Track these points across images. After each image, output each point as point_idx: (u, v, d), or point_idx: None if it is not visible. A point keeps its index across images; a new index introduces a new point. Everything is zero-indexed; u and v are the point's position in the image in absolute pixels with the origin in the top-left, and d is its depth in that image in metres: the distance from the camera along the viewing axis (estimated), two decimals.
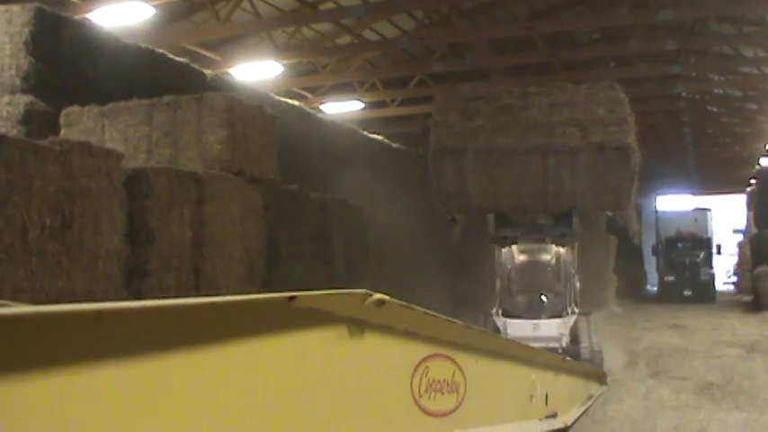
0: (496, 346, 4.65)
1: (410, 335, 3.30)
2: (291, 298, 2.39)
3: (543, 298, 12.30)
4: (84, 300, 8.88)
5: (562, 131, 12.16)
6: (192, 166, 12.25)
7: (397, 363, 3.27)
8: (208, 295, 9.65)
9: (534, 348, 6.34)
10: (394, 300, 2.99)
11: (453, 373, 3.71)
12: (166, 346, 2.04)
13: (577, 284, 13.66)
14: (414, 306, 3.20)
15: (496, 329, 11.80)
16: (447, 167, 12.82)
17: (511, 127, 12.48)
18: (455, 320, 3.80)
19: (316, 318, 2.60)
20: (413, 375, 3.35)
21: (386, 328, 3.08)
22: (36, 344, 1.75)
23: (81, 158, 9.36)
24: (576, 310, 13.06)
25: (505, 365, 4.78)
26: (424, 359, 3.44)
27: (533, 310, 12.23)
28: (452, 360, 3.72)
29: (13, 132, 12.35)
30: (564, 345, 11.57)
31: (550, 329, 11.79)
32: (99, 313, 1.84)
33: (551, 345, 10.97)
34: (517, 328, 11.75)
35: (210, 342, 2.16)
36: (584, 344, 11.95)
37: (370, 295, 2.84)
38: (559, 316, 12.04)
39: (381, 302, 2.88)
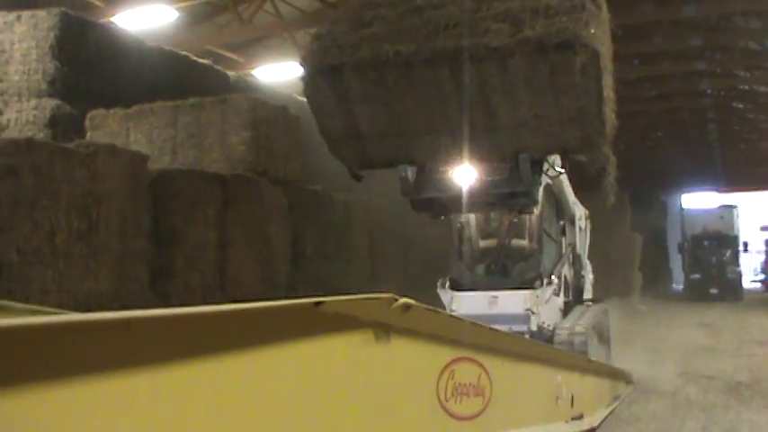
0: (522, 349, 4.65)
1: (436, 338, 3.31)
2: (318, 303, 2.41)
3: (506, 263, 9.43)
4: (110, 301, 8.96)
5: (485, 28, 7.65)
6: (216, 167, 12.30)
7: (423, 366, 3.28)
8: (233, 296, 9.73)
9: (560, 351, 6.32)
10: (420, 304, 2.99)
11: (479, 376, 3.72)
12: (195, 352, 2.05)
13: (589, 269, 11.65)
14: (439, 310, 3.21)
15: (441, 307, 8.88)
16: (326, 96, 8.28)
17: (413, 31, 8.00)
18: (480, 323, 3.80)
19: (342, 322, 2.61)
20: (439, 379, 3.36)
21: (412, 332, 3.09)
22: (68, 351, 1.77)
23: (107, 161, 9.43)
24: (589, 296, 11.11)
25: (531, 368, 4.78)
26: (450, 363, 3.45)
27: (491, 279, 9.29)
28: (478, 363, 3.72)
29: (40, 136, 12.45)
30: (534, 327, 8.69)
31: (513, 304, 8.78)
32: (128, 321, 1.86)
33: (516, 327, 8.31)
34: (467, 303, 8.95)
35: (238, 348, 2.18)
36: (565, 324, 9.33)
37: (396, 300, 2.85)
38: (528, 287, 8.95)
39: (407, 307, 2.89)
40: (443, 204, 8.82)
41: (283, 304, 2.35)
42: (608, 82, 7.90)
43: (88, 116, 13.62)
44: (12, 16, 13.95)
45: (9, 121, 13.63)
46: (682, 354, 13.73)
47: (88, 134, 13.25)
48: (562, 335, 9.03)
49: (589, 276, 11.65)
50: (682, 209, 39.97)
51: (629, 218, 27.96)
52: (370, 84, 8.00)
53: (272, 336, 2.29)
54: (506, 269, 9.38)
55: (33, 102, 13.51)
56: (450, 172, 8.49)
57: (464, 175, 8.43)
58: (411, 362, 3.17)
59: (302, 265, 13.16)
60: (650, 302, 26.22)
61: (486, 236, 9.96)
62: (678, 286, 36.93)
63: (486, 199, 8.64)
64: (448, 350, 3.45)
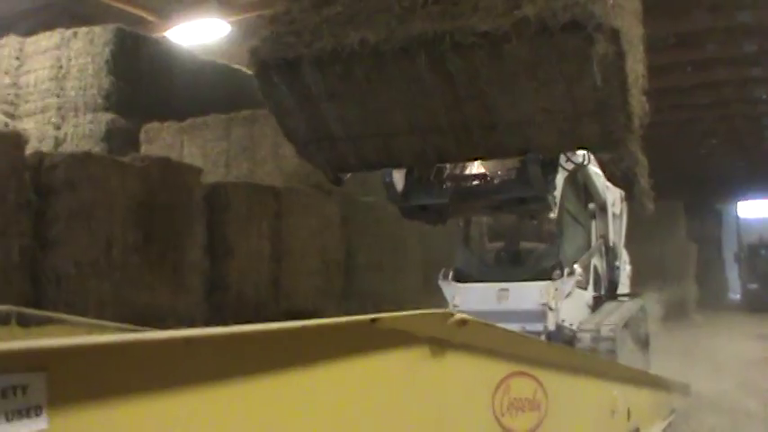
0: (577, 362, 4.62)
1: (491, 353, 3.30)
2: (374, 320, 2.41)
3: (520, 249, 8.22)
4: (166, 313, 9.06)
5: (472, 5, 6.15)
6: (269, 179, 12.39)
7: (478, 381, 3.27)
8: (286, 308, 9.77)
9: (616, 363, 6.20)
10: (475, 319, 2.99)
11: (535, 390, 3.69)
12: (252, 370, 2.07)
13: (626, 260, 10.31)
14: (495, 324, 3.20)
15: (443, 302, 8.04)
16: (284, 94, 6.85)
17: (385, 11, 6.45)
18: (536, 337, 3.78)
19: (398, 338, 2.61)
20: (494, 394, 3.35)
21: (467, 347, 3.08)
22: (127, 370, 1.79)
23: (161, 174, 9.55)
24: (625, 291, 9.73)
25: (587, 381, 4.74)
26: (506, 377, 3.43)
27: (501, 269, 8.08)
28: (534, 377, 3.70)
29: (96, 149, 12.66)
30: (551, 326, 7.42)
31: (526, 298, 7.55)
32: (188, 339, 1.88)
33: (530, 326, 7.18)
34: (472, 297, 7.76)
35: (295, 365, 2.19)
36: (589, 324, 7.90)
37: (452, 315, 2.85)
38: (546, 277, 7.66)
39: (463, 322, 2.88)
40: (439, 211, 7.59)
41: (339, 321, 2.36)
42: (636, 66, 6.50)
43: (143, 130, 13.83)
44: (69, 33, 14.24)
45: (66, 135, 13.89)
46: (740, 365, 13.50)
47: (143, 147, 13.45)
48: (585, 336, 7.68)
49: (626, 268, 10.25)
50: (738, 217, 39.43)
51: (684, 226, 27.63)
52: (336, 79, 6.52)
53: (328, 352, 2.30)
54: (520, 256, 8.12)
55: (89, 116, 13.76)
56: (445, 173, 7.58)
57: (462, 176, 7.56)
58: (467, 377, 3.16)
59: (356, 277, 13.18)
60: (706, 312, 25.85)
61: (490, 223, 8.82)
62: (735, 296, 36.38)
63: (490, 203, 7.45)
64: (503, 365, 3.44)
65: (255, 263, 10.89)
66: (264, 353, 2.09)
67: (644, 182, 8.93)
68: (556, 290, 7.51)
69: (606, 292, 9.30)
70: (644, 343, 9.49)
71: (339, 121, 6.83)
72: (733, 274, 36.90)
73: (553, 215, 7.59)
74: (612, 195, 9.69)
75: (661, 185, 19.06)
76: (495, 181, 7.39)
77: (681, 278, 25.44)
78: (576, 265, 7.86)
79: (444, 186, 7.42)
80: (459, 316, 2.86)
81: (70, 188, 8.53)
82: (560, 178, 7.30)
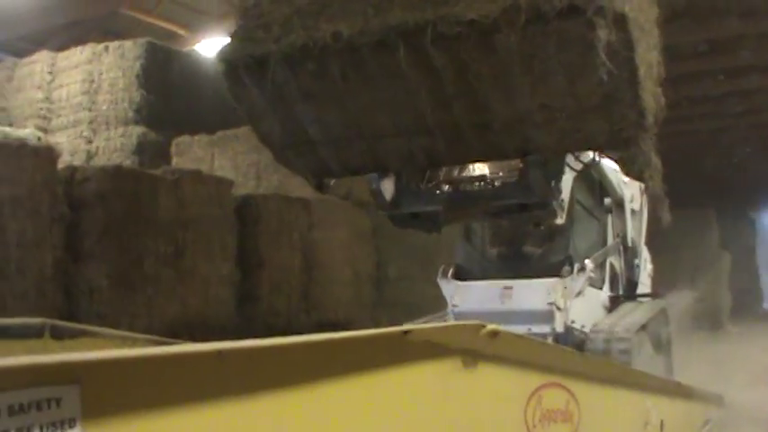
0: (610, 373, 4.58)
1: (523, 364, 3.28)
2: (406, 332, 2.40)
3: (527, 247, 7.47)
4: (198, 324, 9.10)
5: None
6: (300, 191, 12.40)
7: (510, 393, 3.25)
8: (317, 319, 9.78)
9: (650, 374, 6.08)
10: (507, 330, 2.97)
11: (567, 401, 3.66)
12: (284, 382, 2.07)
13: (647, 258, 9.51)
14: (527, 336, 3.18)
15: (442, 301, 7.61)
16: (256, 96, 6.17)
17: (359, 1, 5.76)
18: (568, 348, 3.75)
19: (430, 350, 2.60)
20: (527, 405, 3.32)
21: (499, 359, 3.06)
22: (160, 383, 1.79)
23: (192, 186, 9.61)
24: (645, 291, 8.92)
25: (619, 392, 4.70)
26: (538, 388, 3.41)
27: (505, 265, 7.42)
28: (566, 388, 3.67)
29: (127, 163, 12.77)
30: (559, 328, 6.83)
31: (532, 297, 6.94)
32: (220, 352, 1.88)
33: (536, 327, 6.69)
34: (473, 296, 7.22)
35: (328, 377, 2.18)
36: (602, 326, 7.20)
37: (484, 326, 2.84)
38: (554, 274, 7.01)
39: (495, 333, 2.87)
40: (432, 218, 6.92)
41: (371, 333, 2.35)
42: (648, 54, 5.77)
43: (174, 143, 13.93)
44: (100, 47, 14.40)
45: (98, 148, 14.03)
46: None
47: (174, 160, 13.54)
48: (596, 338, 7.00)
49: (647, 267, 9.50)
50: None
51: (717, 235, 27.36)
52: (309, 77, 5.83)
53: (360, 365, 2.29)
54: (525, 251, 7.41)
55: (120, 129, 13.90)
56: (440, 176, 6.95)
57: (460, 178, 6.95)
58: (499, 388, 3.14)
59: (387, 288, 13.18)
60: (741, 323, 25.57)
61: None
62: None
63: (488, 210, 6.75)
64: (535, 376, 3.41)
65: (286, 274, 10.92)
66: (296, 365, 2.09)
67: (658, 187, 8.08)
68: (565, 288, 6.89)
69: (624, 293, 8.62)
70: (665, 348, 8.74)
71: (316, 123, 6.16)
72: (767, 284, 36.52)
73: (560, 221, 6.77)
74: (630, 190, 8.93)
75: (692, 193, 18.83)
76: (497, 183, 6.78)
77: (713, 287, 25.18)
78: (587, 261, 7.16)
79: (438, 191, 6.84)
80: (490, 327, 2.84)
81: (102, 201, 8.61)
82: (568, 179, 6.80)
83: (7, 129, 8.87)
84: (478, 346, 2.87)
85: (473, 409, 2.95)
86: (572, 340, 6.78)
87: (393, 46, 5.28)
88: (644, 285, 9.15)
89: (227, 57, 6.06)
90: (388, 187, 6.64)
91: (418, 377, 2.58)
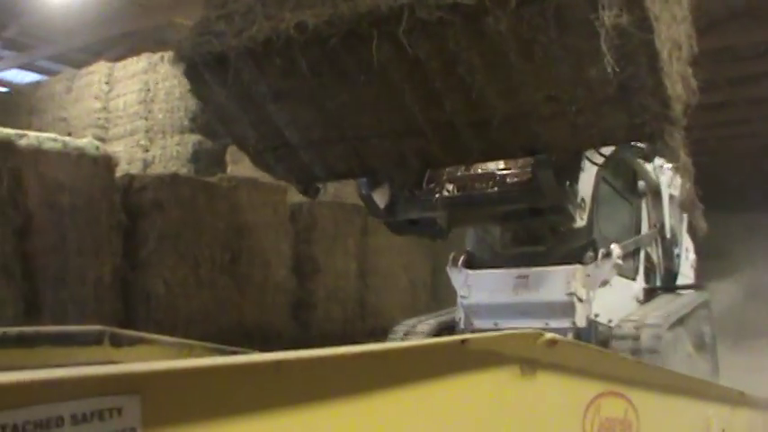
0: (670, 381, 4.51)
1: (581, 373, 3.24)
2: (464, 341, 2.39)
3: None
4: (253, 331, 9.16)
5: None
6: (354, 198, 12.43)
7: (568, 402, 3.22)
8: (372, 325, 9.78)
9: (711, 383, 5.85)
10: (565, 338, 2.94)
11: (626, 410, 3.61)
12: (342, 392, 2.06)
13: (689, 246, 8.69)
14: (585, 344, 3.15)
15: (452, 291, 6.84)
16: (221, 95, 5.42)
17: None
18: (627, 356, 3.71)
19: (488, 359, 2.59)
20: (585, 414, 3.28)
21: (557, 367, 3.03)
22: (218, 393, 1.80)
23: (248, 194, 9.70)
24: (688, 282, 8.15)
25: (679, 401, 4.63)
26: (596, 397, 3.37)
27: (521, 252, 6.47)
28: (624, 397, 3.62)
29: (183, 171, 12.89)
30: (581, 322, 5.94)
31: (550, 287, 6.04)
32: (278, 363, 1.88)
33: (554, 322, 5.90)
34: (484, 286, 6.38)
35: (386, 387, 2.18)
36: (632, 317, 6.30)
37: (542, 335, 2.81)
38: (575, 261, 6.08)
39: (553, 342, 2.84)
40: (433, 224, 6.12)
41: (430, 343, 2.35)
42: (674, 32, 4.88)
43: (229, 150, 14.02)
44: (156, 57, 14.57)
45: (154, 157, 14.19)
46: None
47: (229, 168, 13.63)
48: (622, 332, 6.09)
49: (688, 257, 8.61)
50: None
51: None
52: (278, 74, 5.08)
53: (419, 374, 2.29)
54: (542, 236, 6.40)
55: (176, 138, 14.04)
56: (444, 176, 6.23)
57: (467, 176, 6.19)
58: (557, 397, 3.11)
59: (442, 295, 13.14)
60: None
61: None
62: None
63: (495, 214, 6.09)
64: (594, 384, 3.37)
65: (342, 281, 10.96)
66: (354, 375, 2.09)
67: (689, 190, 7.37)
68: (587, 276, 6.02)
69: (663, 285, 7.75)
70: (708, 346, 7.83)
71: (292, 125, 5.49)
72: None
73: (581, 222, 6.07)
74: (668, 175, 8.00)
75: (753, 197, 18.40)
76: (508, 180, 6.01)
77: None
78: (613, 245, 6.20)
79: (437, 195, 6.12)
80: (549, 336, 2.81)
81: (159, 209, 8.72)
82: (590, 175, 6.15)
83: (66, 138, 9.01)
84: (536, 355, 2.84)
85: (531, 419, 2.93)
86: (596, 336, 6.01)
87: (366, 36, 4.56)
88: (685, 277, 8.35)
89: (185, 54, 5.35)
90: (383, 192, 6.16)
91: (476, 386, 2.57)
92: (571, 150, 5.39)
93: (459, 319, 6.68)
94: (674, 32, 4.82)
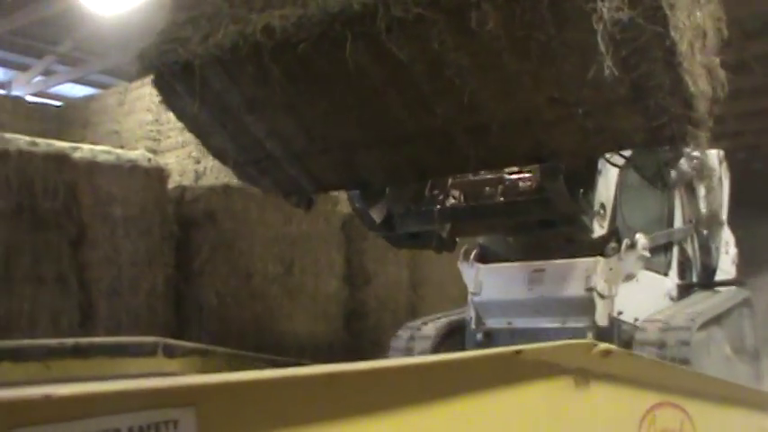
0: (726, 392, 4.44)
1: (636, 383, 3.21)
2: (518, 351, 2.38)
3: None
4: (306, 341, 9.19)
5: None
6: None
7: (623, 412, 3.18)
8: None
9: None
10: (620, 349, 2.92)
11: (682, 422, 3.57)
12: (395, 404, 2.06)
13: (729, 240, 8.00)
14: (640, 354, 3.12)
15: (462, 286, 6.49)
16: (193, 106, 4.88)
17: None
18: (682, 367, 3.66)
19: (542, 369, 2.58)
20: (640, 425, 3.25)
21: (611, 378, 3.01)
22: (272, 405, 1.81)
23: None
24: (726, 278, 7.50)
25: (736, 412, 4.56)
26: (652, 408, 3.33)
27: (536, 244, 5.90)
28: (680, 408, 3.58)
29: (235, 182, 12.97)
30: (603, 321, 5.39)
31: (567, 282, 5.49)
32: (331, 375, 1.89)
33: (571, 321, 5.46)
34: (496, 281, 5.93)
35: (439, 399, 2.18)
36: (658, 317, 5.63)
37: (596, 345, 2.79)
38: (596, 253, 5.52)
39: (607, 352, 2.82)
40: (434, 236, 5.63)
41: (485, 354, 2.35)
42: (697, 18, 4.27)
43: None
44: None
45: (206, 168, 14.29)
46: None
47: None
48: (648, 330, 5.42)
49: (729, 251, 7.90)
50: None
51: None
52: (250, 83, 4.66)
53: (473, 385, 2.29)
54: (557, 231, 5.57)
55: None
56: (448, 182, 5.76)
57: (473, 181, 5.67)
58: (611, 408, 3.09)
59: None
60: None
61: None
62: None
63: (504, 224, 5.68)
64: (649, 395, 3.34)
65: (393, 291, 10.93)
66: (408, 387, 2.09)
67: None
68: (610, 269, 5.46)
69: (700, 281, 7.11)
70: (748, 348, 7.16)
71: (272, 136, 5.06)
72: None
73: (602, 231, 5.41)
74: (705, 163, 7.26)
75: None
76: (521, 185, 5.48)
77: None
78: (638, 235, 5.65)
79: (438, 207, 5.66)
80: (603, 346, 2.79)
81: (211, 220, 8.78)
82: (611, 178, 5.60)
83: (119, 151, 9.12)
84: (590, 365, 2.82)
85: (585, 429, 2.91)
86: (618, 337, 5.41)
87: (339, 38, 4.08)
88: (724, 273, 7.66)
89: (149, 63, 4.89)
90: (381, 206, 5.75)
91: (530, 396, 2.56)
92: (582, 157, 4.89)
93: (470, 318, 6.28)
94: (695, 19, 4.24)
